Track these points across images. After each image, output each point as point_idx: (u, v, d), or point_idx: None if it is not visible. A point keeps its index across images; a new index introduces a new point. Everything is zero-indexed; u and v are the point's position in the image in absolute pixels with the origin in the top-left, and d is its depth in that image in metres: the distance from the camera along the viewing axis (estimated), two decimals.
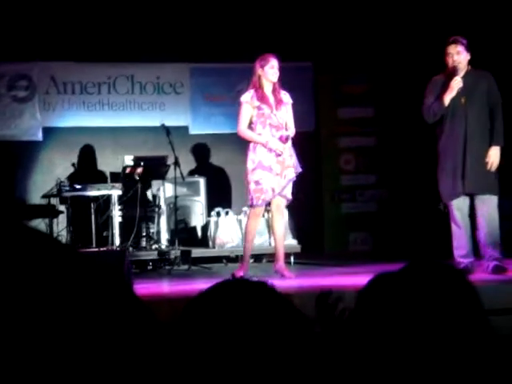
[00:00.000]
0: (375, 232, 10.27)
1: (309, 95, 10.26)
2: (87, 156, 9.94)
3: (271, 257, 7.29)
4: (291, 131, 7.13)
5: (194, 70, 10.30)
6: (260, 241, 8.94)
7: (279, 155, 7.02)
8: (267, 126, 7.05)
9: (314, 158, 10.18)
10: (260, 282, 1.45)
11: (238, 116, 7.18)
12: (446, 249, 6.74)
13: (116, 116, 10.10)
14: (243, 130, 7.11)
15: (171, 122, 9.53)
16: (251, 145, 7.09)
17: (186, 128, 10.22)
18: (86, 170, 9.86)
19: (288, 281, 6.79)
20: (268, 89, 7.12)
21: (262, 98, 7.07)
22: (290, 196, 7.16)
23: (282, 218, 7.30)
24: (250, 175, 7.03)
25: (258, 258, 9.05)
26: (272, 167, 6.99)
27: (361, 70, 10.28)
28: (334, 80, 10.38)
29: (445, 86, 6.58)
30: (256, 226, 7.28)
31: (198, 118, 10.34)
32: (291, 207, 8.62)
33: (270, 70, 7.06)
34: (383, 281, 1.55)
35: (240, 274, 7.03)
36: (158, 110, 10.21)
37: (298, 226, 9.33)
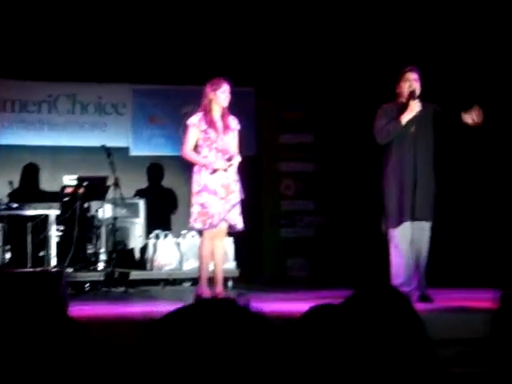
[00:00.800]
0: (313, 258, 10.32)
1: (250, 120, 10.29)
2: (26, 175, 9.82)
3: (210, 281, 7.26)
4: (238, 157, 7.13)
5: (136, 91, 10.27)
6: (198, 264, 8.91)
7: (225, 170, 7.01)
8: (213, 150, 7.05)
9: (254, 183, 10.20)
10: (228, 299, 1.43)
11: (183, 138, 7.18)
12: (384, 276, 6.79)
13: (56, 135, 10.01)
14: (188, 152, 7.10)
15: (112, 142, 9.49)
16: (196, 167, 7.09)
17: (126, 149, 10.17)
18: (25, 188, 9.73)
19: None
20: (217, 113, 7.11)
21: (209, 121, 7.06)
22: (232, 221, 7.12)
23: (222, 243, 7.28)
24: (195, 197, 7.01)
25: (196, 281, 9.01)
26: (217, 191, 6.98)
27: (301, 97, 10.37)
28: (275, 106, 10.45)
29: (399, 112, 6.71)
30: (209, 249, 7.19)
31: (140, 140, 10.29)
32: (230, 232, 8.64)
33: (222, 95, 7.06)
34: (322, 311, 1.55)
35: (205, 295, 7.02)
36: (100, 130, 10.15)
37: (237, 250, 9.33)
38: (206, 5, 9.86)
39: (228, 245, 8.86)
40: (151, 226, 9.59)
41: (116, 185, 8.64)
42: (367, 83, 9.78)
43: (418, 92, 6.77)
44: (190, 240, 9.17)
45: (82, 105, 10.14)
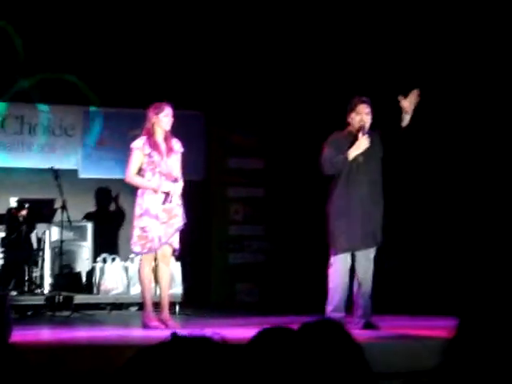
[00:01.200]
0: (261, 283, 10.31)
1: (199, 144, 10.29)
2: None
3: (157, 306, 7.20)
4: (180, 182, 7.13)
5: (87, 113, 10.20)
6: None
7: (166, 199, 6.99)
8: (157, 174, 7.06)
9: (203, 207, 10.18)
10: (203, 337, 1.42)
11: (127, 162, 7.15)
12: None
13: (3, 156, 9.88)
14: (131, 176, 7.10)
15: (61, 164, 9.41)
16: (140, 191, 7.08)
17: (75, 171, 10.08)
18: None
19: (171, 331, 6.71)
20: (160, 136, 7.12)
21: (153, 145, 7.07)
22: (176, 245, 7.13)
23: (167, 267, 7.24)
24: (137, 221, 7.01)
25: (141, 306, 8.93)
26: (159, 215, 6.98)
27: (251, 122, 10.39)
28: (224, 130, 10.45)
29: (350, 143, 6.75)
30: (149, 272, 7.17)
31: (89, 162, 10.21)
32: (180, 256, 8.60)
33: (164, 118, 7.08)
34: (270, 335, 1.54)
35: (153, 323, 6.94)
36: (48, 151, 10.04)
37: (185, 275, 9.27)
38: (156, 28, 9.85)
39: (175, 269, 8.82)
40: (99, 249, 9.50)
41: (63, 207, 8.53)
42: (317, 110, 9.85)
43: (367, 126, 6.81)
44: (137, 264, 9.09)
45: (30, 126, 10.03)
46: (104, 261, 9.13)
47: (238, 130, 10.49)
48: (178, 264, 8.94)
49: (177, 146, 7.21)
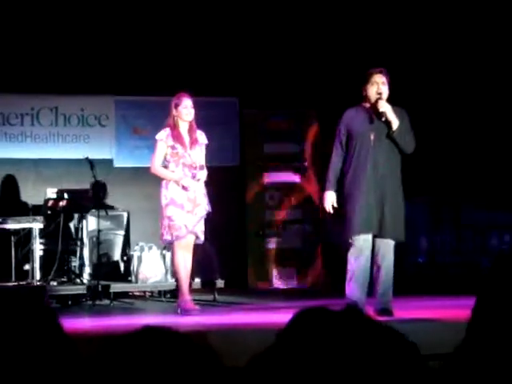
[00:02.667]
0: (299, 268, 10.29)
1: (235, 130, 10.28)
2: (9, 188, 9.76)
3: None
4: (204, 171, 7.19)
5: (119, 102, 10.24)
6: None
7: (185, 189, 7.02)
8: (180, 165, 7.22)
9: (238, 193, 10.19)
10: (173, 330, 1.42)
11: (153, 153, 7.25)
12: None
13: (39, 148, 9.95)
14: (156, 167, 7.28)
15: (95, 154, 9.44)
16: (164, 182, 7.26)
17: (110, 161, 10.13)
18: (8, 202, 9.67)
19: (210, 317, 6.79)
20: (184, 128, 7.25)
21: (176, 137, 7.20)
22: (200, 234, 7.23)
23: (190, 255, 7.32)
24: (164, 211, 7.14)
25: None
26: (184, 205, 7.14)
27: (286, 106, 10.35)
28: (259, 115, 10.42)
29: (364, 118, 6.57)
30: (182, 259, 7.25)
31: (123, 151, 10.25)
32: (215, 242, 8.63)
33: (183, 110, 7.20)
34: (307, 316, 1.52)
35: (189, 306, 7.12)
36: (83, 142, 10.10)
37: (222, 261, 9.29)
38: (189, 15, 9.85)
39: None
40: (135, 238, 9.54)
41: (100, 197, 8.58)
42: (356, 92, 9.80)
43: (385, 96, 6.53)
44: None
45: (64, 117, 10.09)
46: (141, 249, 9.16)
47: (273, 115, 10.45)
48: (215, 251, 8.96)
49: (201, 137, 7.34)
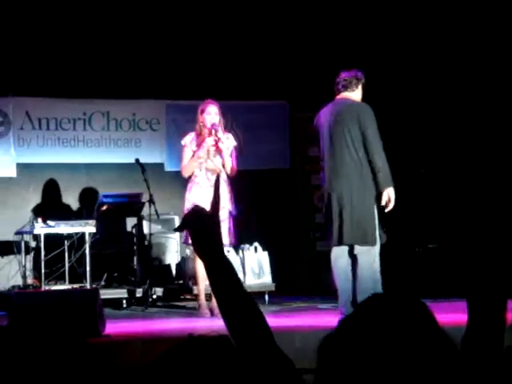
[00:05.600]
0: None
1: (285, 133, 10.27)
2: (61, 192, 9.87)
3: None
4: (228, 162, 7.36)
5: (170, 106, 10.30)
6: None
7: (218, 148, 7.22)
8: (203, 170, 7.39)
9: (289, 196, 10.18)
10: (220, 336, 1.42)
11: (180, 159, 7.60)
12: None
13: (91, 152, 10.06)
14: (184, 167, 7.50)
15: (147, 158, 9.50)
16: (188, 186, 7.46)
17: (161, 165, 10.19)
18: (60, 206, 9.79)
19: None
20: (207, 133, 7.33)
21: (201, 143, 7.38)
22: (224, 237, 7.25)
23: None
24: None
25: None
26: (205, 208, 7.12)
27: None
28: (305, 119, 10.39)
29: None
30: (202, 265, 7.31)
31: (174, 155, 10.30)
32: (267, 245, 8.64)
33: (207, 117, 7.37)
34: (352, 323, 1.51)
35: (201, 310, 7.31)
36: (134, 146, 10.18)
37: (274, 264, 9.28)
38: (238, 20, 9.87)
39: (263, 259, 8.86)
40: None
41: (151, 201, 8.63)
42: (400, 96, 9.74)
43: None
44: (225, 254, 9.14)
45: (116, 121, 10.19)
46: (193, 252, 9.20)
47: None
48: (266, 254, 8.95)
49: (228, 141, 7.47)
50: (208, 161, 7.39)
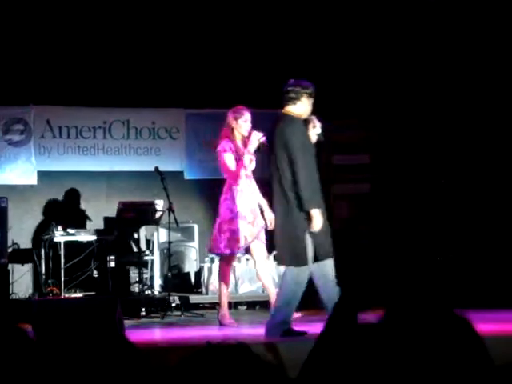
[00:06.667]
0: (369, 279, 10.19)
1: None
2: (81, 200, 9.91)
3: (264, 304, 7.29)
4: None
5: (189, 115, 10.32)
6: (253, 287, 8.91)
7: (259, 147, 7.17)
8: (243, 176, 7.33)
9: None
10: (238, 344, 1.42)
11: (223, 166, 7.32)
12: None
13: (111, 161, 10.09)
14: (235, 171, 7.27)
15: (166, 167, 9.52)
16: (229, 195, 7.26)
17: (181, 173, 10.21)
18: (80, 214, 9.82)
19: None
20: (239, 141, 7.27)
21: (236, 149, 7.27)
22: (263, 241, 7.26)
23: (265, 264, 7.35)
24: (228, 224, 7.17)
25: (250, 304, 9.00)
26: (246, 216, 7.17)
27: (355, 116, 10.30)
28: (328, 127, 10.38)
29: None
30: (229, 273, 7.61)
31: (193, 164, 10.33)
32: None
33: (243, 124, 7.26)
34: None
35: (226, 320, 7.22)
36: (154, 155, 10.21)
37: None
38: (258, 29, 9.89)
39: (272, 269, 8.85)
40: (206, 249, 9.59)
41: (170, 209, 8.64)
42: (423, 102, 9.72)
43: None
44: (244, 263, 9.15)
45: (136, 130, 10.22)
46: (211, 261, 9.20)
47: (341, 126, 10.40)
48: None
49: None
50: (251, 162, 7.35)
